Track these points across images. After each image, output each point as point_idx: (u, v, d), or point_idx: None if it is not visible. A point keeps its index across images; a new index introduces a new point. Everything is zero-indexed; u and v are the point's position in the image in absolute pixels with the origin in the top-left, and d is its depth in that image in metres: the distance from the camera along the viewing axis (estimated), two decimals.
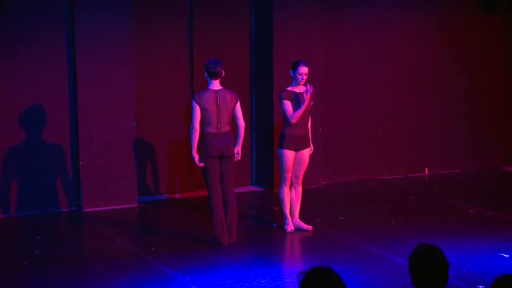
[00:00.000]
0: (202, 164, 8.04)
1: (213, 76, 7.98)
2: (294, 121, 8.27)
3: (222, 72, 8.02)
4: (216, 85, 8.02)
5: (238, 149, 8.26)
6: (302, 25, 10.49)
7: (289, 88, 8.40)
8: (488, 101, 12.17)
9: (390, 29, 11.42)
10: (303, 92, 8.37)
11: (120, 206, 9.72)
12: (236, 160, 8.24)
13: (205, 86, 8.20)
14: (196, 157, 8.05)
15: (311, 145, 8.60)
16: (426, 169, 11.87)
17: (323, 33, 10.75)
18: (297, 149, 8.43)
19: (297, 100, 8.33)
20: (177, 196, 10.39)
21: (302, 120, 8.39)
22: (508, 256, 7.64)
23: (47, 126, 9.52)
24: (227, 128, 8.05)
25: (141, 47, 10.01)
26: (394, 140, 11.62)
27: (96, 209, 9.61)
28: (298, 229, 8.61)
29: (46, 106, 9.50)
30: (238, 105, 8.13)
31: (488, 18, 11.96)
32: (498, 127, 12.26)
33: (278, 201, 9.20)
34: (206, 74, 8.02)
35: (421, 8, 11.57)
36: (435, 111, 11.86)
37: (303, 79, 8.32)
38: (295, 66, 8.34)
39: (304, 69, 8.31)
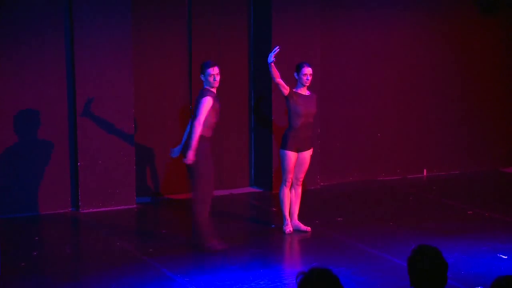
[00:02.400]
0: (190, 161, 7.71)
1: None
2: (277, 80, 8.15)
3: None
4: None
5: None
6: (300, 27, 10.50)
7: (295, 90, 8.41)
8: (486, 103, 12.19)
9: (388, 31, 11.43)
10: (308, 96, 8.39)
11: (119, 207, 9.73)
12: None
13: (203, 86, 8.16)
14: (192, 155, 7.73)
15: (312, 147, 8.61)
16: (425, 170, 11.88)
17: (321, 35, 10.76)
18: (299, 150, 8.43)
19: (303, 103, 8.32)
20: (176, 197, 10.38)
21: (307, 123, 8.39)
22: (506, 257, 7.64)
23: (46, 127, 9.52)
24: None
25: (139, 48, 10.02)
26: (393, 141, 11.63)
27: (95, 210, 9.61)
28: (296, 230, 8.61)
29: (45, 107, 9.49)
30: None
31: (487, 21, 11.97)
32: (496, 129, 12.27)
33: (276, 202, 9.20)
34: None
35: (420, 11, 11.58)
36: (434, 112, 11.87)
37: (308, 79, 8.33)
38: (299, 68, 8.36)
39: (308, 70, 8.33)
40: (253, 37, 10.75)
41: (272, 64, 8.12)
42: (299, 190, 8.64)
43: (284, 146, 8.42)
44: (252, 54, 10.76)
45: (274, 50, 8.10)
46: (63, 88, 9.57)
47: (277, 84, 8.25)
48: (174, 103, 10.37)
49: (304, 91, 8.43)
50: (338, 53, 11.17)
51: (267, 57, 8.15)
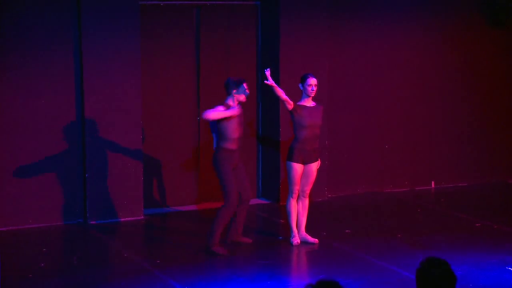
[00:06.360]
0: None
1: None
2: (284, 97, 8.26)
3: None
4: None
5: None
6: (307, 38, 10.51)
7: (299, 103, 8.42)
8: (494, 115, 12.15)
9: (396, 42, 11.43)
10: (313, 107, 8.39)
11: (126, 219, 9.72)
12: None
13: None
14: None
15: (319, 159, 8.60)
16: (433, 182, 11.85)
17: (328, 46, 10.76)
18: (305, 162, 8.43)
19: (307, 114, 8.33)
20: (183, 208, 10.38)
21: (312, 135, 8.40)
22: None
23: (54, 138, 9.54)
24: None
25: (148, 60, 10.04)
26: (401, 153, 11.60)
27: (102, 221, 9.61)
28: (304, 242, 8.59)
29: (53, 118, 9.52)
30: None
31: (494, 32, 11.96)
32: (504, 141, 12.23)
33: (284, 214, 9.18)
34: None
35: (427, 22, 11.57)
36: (442, 124, 11.85)
37: (313, 90, 8.35)
38: (303, 79, 8.38)
39: (313, 80, 8.35)
40: (261, 49, 10.76)
41: (273, 84, 8.20)
42: (306, 202, 8.63)
43: (290, 158, 8.41)
44: (260, 66, 10.77)
45: (266, 73, 8.24)
46: (71, 100, 9.59)
47: (283, 101, 8.30)
48: (182, 115, 10.38)
49: (309, 102, 8.43)
50: (346, 64, 11.17)
51: (272, 72, 8.31)
